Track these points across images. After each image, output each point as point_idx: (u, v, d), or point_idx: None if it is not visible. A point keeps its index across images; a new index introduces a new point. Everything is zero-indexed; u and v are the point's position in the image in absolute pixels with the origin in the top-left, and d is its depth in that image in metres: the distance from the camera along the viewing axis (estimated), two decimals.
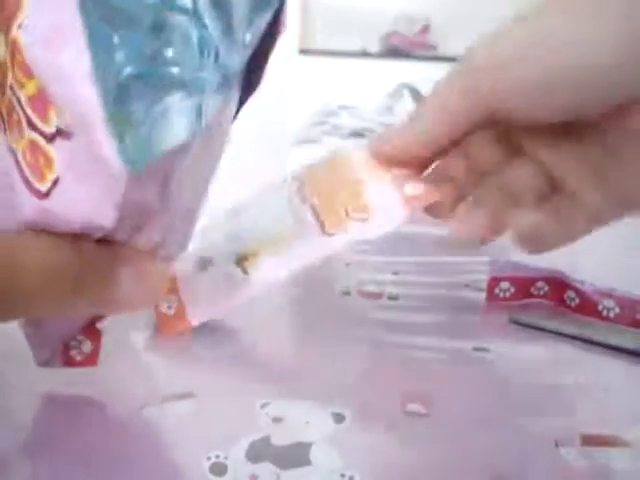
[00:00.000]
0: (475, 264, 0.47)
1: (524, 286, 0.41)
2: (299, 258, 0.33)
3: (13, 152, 0.19)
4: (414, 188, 0.34)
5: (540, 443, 0.27)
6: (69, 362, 0.25)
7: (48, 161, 0.18)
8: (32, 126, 0.18)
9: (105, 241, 0.20)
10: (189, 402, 0.29)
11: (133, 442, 0.26)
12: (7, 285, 0.18)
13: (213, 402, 0.29)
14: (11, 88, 0.19)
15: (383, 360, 0.34)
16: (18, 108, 0.18)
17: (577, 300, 0.40)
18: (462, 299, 0.42)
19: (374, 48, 2.42)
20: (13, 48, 0.18)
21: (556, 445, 0.27)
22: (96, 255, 0.19)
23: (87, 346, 0.25)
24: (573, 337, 0.37)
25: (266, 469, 0.25)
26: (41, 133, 0.18)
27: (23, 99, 0.18)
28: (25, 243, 0.19)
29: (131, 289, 0.20)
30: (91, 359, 0.26)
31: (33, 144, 0.18)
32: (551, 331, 0.37)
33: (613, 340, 0.36)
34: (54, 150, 0.18)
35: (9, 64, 0.19)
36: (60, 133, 0.18)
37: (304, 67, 2.44)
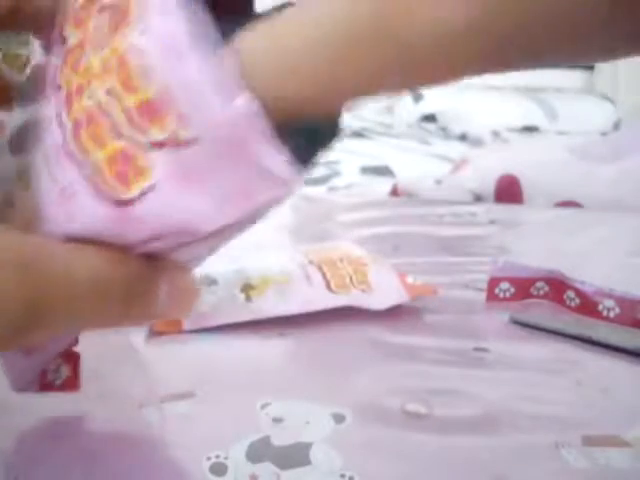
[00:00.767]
0: (475, 264, 0.47)
1: (524, 286, 0.41)
2: (303, 303, 0.36)
3: (80, 164, 0.19)
4: (414, 279, 0.40)
5: (540, 443, 0.27)
6: (48, 387, 0.25)
7: (140, 169, 0.18)
8: (119, 136, 0.18)
9: (145, 255, 0.20)
10: (189, 402, 0.29)
11: (133, 442, 0.26)
12: (64, 295, 0.18)
13: (213, 402, 0.29)
14: (109, 94, 0.18)
15: (383, 360, 0.34)
16: (116, 115, 0.18)
17: (577, 300, 0.40)
18: (462, 299, 0.42)
19: None
20: (120, 54, 0.18)
21: (556, 445, 0.27)
22: (142, 269, 0.19)
23: (65, 371, 0.25)
24: (573, 337, 0.37)
25: (266, 469, 0.25)
26: (140, 141, 0.18)
27: (128, 106, 0.18)
28: (76, 255, 0.18)
29: (168, 302, 0.20)
30: (70, 383, 0.25)
31: (124, 152, 0.18)
32: (551, 331, 0.37)
33: (613, 340, 0.36)
34: (155, 157, 0.18)
35: (109, 72, 0.18)
36: (174, 142, 0.17)
37: None
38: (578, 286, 0.40)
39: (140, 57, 0.17)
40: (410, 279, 0.40)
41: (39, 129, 0.20)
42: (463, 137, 1.87)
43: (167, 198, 0.18)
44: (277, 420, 0.28)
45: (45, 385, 0.24)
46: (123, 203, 0.18)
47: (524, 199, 0.86)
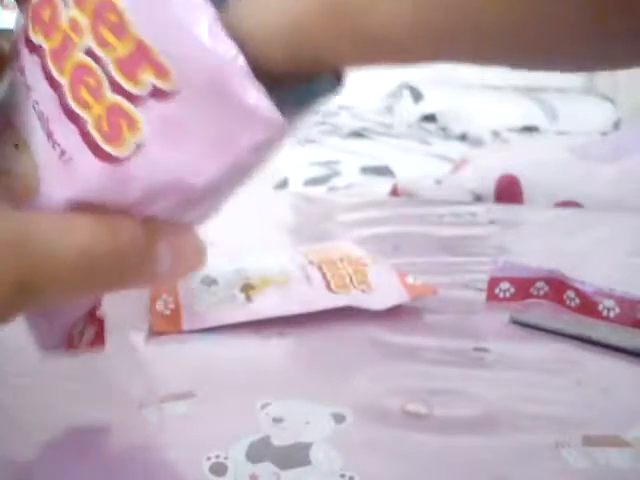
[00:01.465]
0: (475, 264, 0.47)
1: (524, 286, 0.41)
2: (303, 303, 0.36)
3: (79, 122, 0.18)
4: (414, 279, 0.40)
5: (540, 443, 0.27)
6: (74, 348, 0.25)
7: (132, 124, 0.17)
8: (117, 89, 0.17)
9: (144, 219, 0.19)
10: (189, 402, 0.29)
11: (133, 442, 0.26)
12: (56, 271, 0.18)
13: (213, 402, 0.29)
14: (89, 53, 0.18)
15: (383, 360, 0.34)
16: (100, 72, 0.18)
17: (577, 300, 0.40)
18: (462, 299, 0.42)
19: None
20: (99, 8, 0.17)
21: (556, 445, 0.27)
22: (136, 235, 0.19)
23: (90, 332, 0.25)
24: (573, 337, 0.37)
25: (266, 469, 0.25)
26: (128, 95, 0.17)
27: (109, 62, 0.17)
28: (67, 228, 0.18)
29: (171, 264, 0.20)
30: (97, 342, 0.25)
31: (114, 108, 0.18)
32: (551, 331, 0.37)
33: (613, 340, 0.36)
34: (143, 112, 0.17)
35: (89, 28, 0.18)
36: (157, 93, 0.17)
37: None
38: (578, 286, 0.40)
39: (117, 9, 0.17)
40: (410, 279, 0.40)
41: (22, 93, 0.20)
42: (463, 137, 1.87)
43: (157, 153, 0.18)
44: (277, 420, 0.28)
45: (72, 345, 0.25)
46: (117, 161, 0.18)
47: (524, 199, 0.86)
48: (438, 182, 0.99)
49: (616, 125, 1.87)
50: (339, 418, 0.28)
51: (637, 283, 0.40)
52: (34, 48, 0.19)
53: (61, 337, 0.24)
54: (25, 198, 0.19)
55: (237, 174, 0.19)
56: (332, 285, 0.37)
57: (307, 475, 0.25)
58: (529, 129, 1.99)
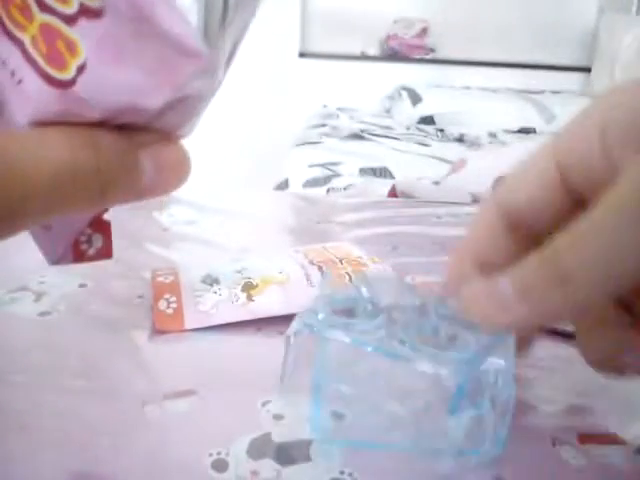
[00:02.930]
0: None
1: None
2: (306, 303, 0.36)
3: (18, 42, 0.17)
4: (412, 279, 0.41)
5: (539, 442, 0.28)
6: (82, 257, 0.24)
7: (70, 45, 0.16)
8: (44, 8, 0.17)
9: (122, 128, 0.18)
10: (190, 400, 0.29)
11: (135, 439, 0.26)
12: (22, 190, 0.16)
13: (214, 400, 0.29)
14: None
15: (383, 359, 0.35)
16: None
17: None
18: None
19: (373, 51, 2.42)
20: None
21: (554, 444, 0.28)
22: (116, 147, 0.18)
23: (98, 240, 0.24)
24: (571, 336, 0.37)
25: (267, 465, 0.25)
26: (58, 15, 0.16)
27: None
28: (39, 145, 0.17)
29: (155, 176, 0.19)
30: (104, 252, 0.24)
31: (47, 28, 0.17)
32: (549, 330, 0.38)
33: None
34: (78, 32, 0.16)
35: None
36: (86, 12, 0.16)
37: (303, 70, 2.45)
38: None
39: None
40: (409, 279, 0.40)
41: None
42: (461, 139, 1.87)
43: (100, 74, 0.17)
44: (278, 417, 0.28)
45: (79, 255, 0.24)
46: (65, 84, 0.17)
47: None
48: (436, 184, 1.00)
49: None
50: (339, 416, 0.28)
51: None
52: None
53: (67, 248, 0.23)
54: None
55: (182, 103, 0.18)
56: (327, 274, 0.37)
57: (307, 472, 0.25)
58: (526, 131, 2.00)
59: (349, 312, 0.27)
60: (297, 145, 1.68)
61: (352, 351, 0.25)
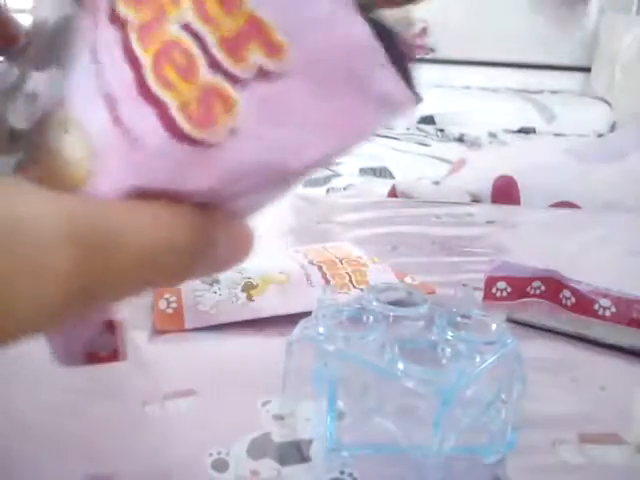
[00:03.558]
0: (472, 264, 0.48)
1: (520, 286, 0.42)
2: (304, 302, 0.36)
3: (155, 104, 0.17)
4: (412, 279, 0.41)
5: (538, 441, 0.28)
6: (93, 359, 0.23)
7: (228, 106, 0.16)
8: (216, 69, 0.16)
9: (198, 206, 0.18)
10: (191, 400, 0.29)
11: (135, 439, 0.27)
12: (110, 267, 0.15)
13: (215, 400, 0.29)
14: (186, 28, 0.16)
15: None
16: (196, 50, 0.16)
17: (573, 299, 0.40)
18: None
19: None
20: None
21: (553, 443, 0.28)
22: (202, 225, 0.18)
23: (109, 340, 0.23)
24: (570, 336, 0.37)
25: (267, 465, 0.25)
26: (227, 77, 0.16)
27: (212, 39, 0.16)
28: (131, 219, 0.16)
29: (228, 250, 0.19)
30: (117, 354, 0.24)
31: (210, 89, 0.16)
32: (548, 330, 0.38)
33: (610, 339, 0.36)
34: (241, 94, 0.16)
35: (189, 2, 0.16)
36: (262, 75, 0.16)
37: None
38: (574, 285, 0.40)
39: None
40: (408, 279, 0.40)
41: (83, 71, 0.18)
42: (461, 139, 1.87)
43: (249, 137, 0.16)
44: (277, 417, 0.28)
45: (90, 357, 0.23)
46: (206, 146, 0.16)
47: (521, 200, 0.87)
48: (436, 184, 1.00)
49: (612, 127, 1.88)
50: (339, 415, 0.28)
51: (632, 282, 0.41)
52: (116, 20, 0.17)
53: (79, 351, 0.23)
54: (72, 188, 0.17)
55: (336, 157, 0.17)
56: (332, 285, 0.37)
57: (307, 471, 0.25)
58: (526, 131, 2.00)
59: (355, 321, 0.27)
60: None
61: (348, 365, 0.25)
